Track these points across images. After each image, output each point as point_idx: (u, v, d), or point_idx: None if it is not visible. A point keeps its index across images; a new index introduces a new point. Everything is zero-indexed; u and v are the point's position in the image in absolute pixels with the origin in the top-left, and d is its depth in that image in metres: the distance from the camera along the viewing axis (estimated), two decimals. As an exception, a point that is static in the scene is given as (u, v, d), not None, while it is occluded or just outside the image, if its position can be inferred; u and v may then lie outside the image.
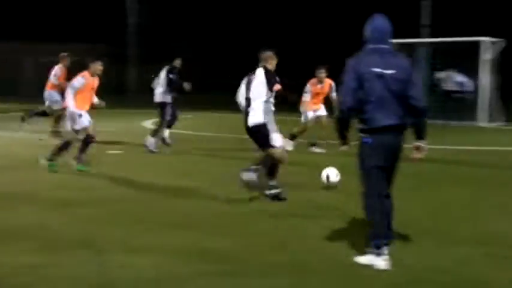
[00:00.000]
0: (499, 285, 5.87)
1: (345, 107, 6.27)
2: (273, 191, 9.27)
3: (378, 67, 6.21)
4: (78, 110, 11.71)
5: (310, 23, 48.75)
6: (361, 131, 6.27)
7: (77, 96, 11.80)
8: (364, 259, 6.32)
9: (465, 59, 23.73)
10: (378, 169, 6.26)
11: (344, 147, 6.60)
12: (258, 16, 49.46)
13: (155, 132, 15.02)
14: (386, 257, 6.20)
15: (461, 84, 23.68)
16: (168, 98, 15.29)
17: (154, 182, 10.69)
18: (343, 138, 6.53)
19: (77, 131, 11.84)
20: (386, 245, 6.23)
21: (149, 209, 8.79)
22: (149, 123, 19.84)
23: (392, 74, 6.22)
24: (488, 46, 23.01)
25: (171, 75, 15.23)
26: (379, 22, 6.42)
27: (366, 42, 6.43)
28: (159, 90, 15.29)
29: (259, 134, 9.07)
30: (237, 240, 7.18)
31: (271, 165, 9.28)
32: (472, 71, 23.92)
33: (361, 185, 6.40)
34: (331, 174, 10.07)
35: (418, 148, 6.38)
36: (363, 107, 6.20)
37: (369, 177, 6.30)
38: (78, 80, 11.89)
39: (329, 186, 10.02)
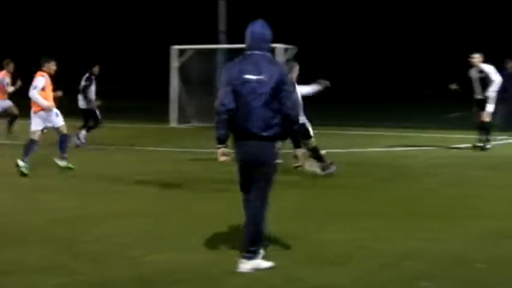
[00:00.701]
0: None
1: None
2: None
3: (249, 73, 6.33)
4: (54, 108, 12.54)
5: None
6: None
7: (41, 95, 12.37)
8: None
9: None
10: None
11: None
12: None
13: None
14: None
15: None
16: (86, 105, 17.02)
17: None
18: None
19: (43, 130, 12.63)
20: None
21: None
22: None
23: (261, 79, 6.31)
24: (281, 52, 23.83)
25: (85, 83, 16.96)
26: (254, 28, 6.52)
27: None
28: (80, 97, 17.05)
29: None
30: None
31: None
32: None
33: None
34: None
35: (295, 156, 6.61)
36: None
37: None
38: (40, 80, 12.42)
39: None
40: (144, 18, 49.84)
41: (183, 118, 24.87)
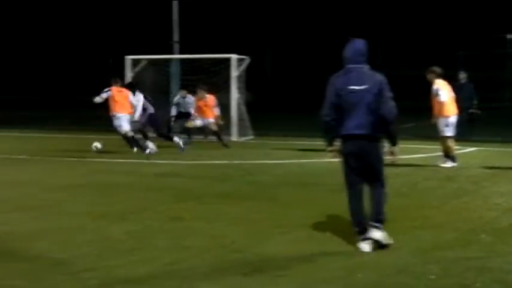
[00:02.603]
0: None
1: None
2: None
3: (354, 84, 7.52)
4: None
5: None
6: None
7: None
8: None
9: (214, 76, 24.46)
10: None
11: None
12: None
13: None
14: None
15: None
16: None
17: None
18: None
19: None
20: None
21: None
22: None
23: (365, 89, 7.48)
24: (235, 63, 23.78)
25: None
26: (355, 45, 7.70)
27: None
28: None
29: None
30: None
31: None
32: (221, 87, 24.65)
33: None
34: None
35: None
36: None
37: None
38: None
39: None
40: (98, 28, 49.47)
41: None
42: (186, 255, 7.50)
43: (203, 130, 21.63)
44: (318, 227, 8.97)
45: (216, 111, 20.88)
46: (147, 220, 9.43)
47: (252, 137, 23.76)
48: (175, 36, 28.45)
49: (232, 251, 7.70)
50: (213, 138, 21.16)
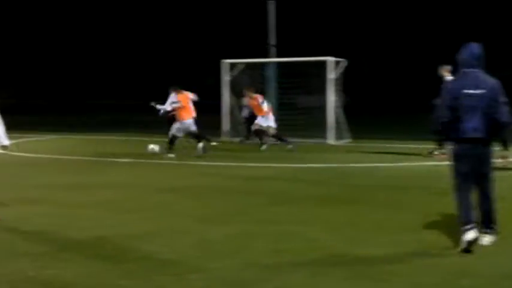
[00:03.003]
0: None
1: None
2: None
3: (469, 88, 7.63)
4: None
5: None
6: None
7: None
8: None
9: (311, 78, 24.54)
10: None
11: None
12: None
13: None
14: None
15: None
16: None
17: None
18: None
19: None
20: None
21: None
22: None
23: (480, 93, 7.59)
24: (332, 65, 23.76)
25: None
26: (472, 49, 7.81)
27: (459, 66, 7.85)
28: None
29: None
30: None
31: None
32: (317, 90, 24.67)
33: None
34: None
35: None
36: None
37: None
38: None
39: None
40: (196, 32, 50.24)
41: (234, 132, 25.02)
42: (284, 258, 7.59)
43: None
44: (421, 230, 8.92)
45: (265, 107, 21.36)
46: (246, 223, 9.60)
47: (349, 140, 23.67)
48: (272, 40, 28.64)
49: (332, 254, 7.74)
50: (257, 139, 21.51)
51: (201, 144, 18.69)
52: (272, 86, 26.69)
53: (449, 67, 15.53)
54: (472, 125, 7.62)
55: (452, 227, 8.21)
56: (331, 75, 23.78)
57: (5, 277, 6.90)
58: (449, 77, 15.45)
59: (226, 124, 25.36)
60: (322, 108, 24.08)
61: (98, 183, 13.86)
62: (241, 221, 9.75)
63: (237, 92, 25.14)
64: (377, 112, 36.31)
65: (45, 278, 6.89)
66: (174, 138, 18.90)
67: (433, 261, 7.39)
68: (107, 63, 52.18)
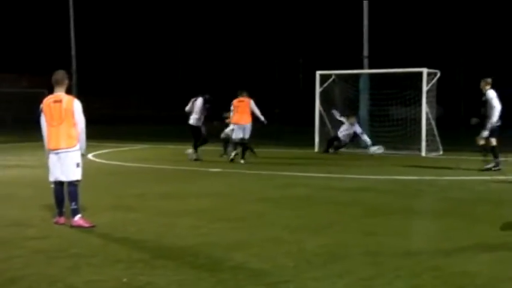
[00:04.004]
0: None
1: None
2: None
3: None
4: None
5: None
6: None
7: None
8: None
9: (404, 90, 24.15)
10: None
11: None
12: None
13: None
14: None
15: None
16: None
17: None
18: None
19: None
20: None
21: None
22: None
23: None
24: (426, 77, 23.33)
25: None
26: None
27: None
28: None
29: None
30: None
31: None
32: (410, 101, 24.28)
33: None
34: None
35: None
36: None
37: None
38: None
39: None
40: (290, 44, 50.42)
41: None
42: (380, 270, 7.39)
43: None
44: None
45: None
46: (340, 234, 9.44)
47: (441, 152, 23.17)
48: (365, 51, 28.39)
49: (429, 268, 7.49)
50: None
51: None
52: (365, 97, 26.41)
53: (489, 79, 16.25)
54: None
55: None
56: (425, 86, 23.32)
57: (99, 283, 6.96)
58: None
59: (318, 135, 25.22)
60: (415, 120, 23.66)
61: (191, 192, 13.96)
62: (336, 232, 9.60)
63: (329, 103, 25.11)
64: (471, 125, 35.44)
65: (139, 285, 6.90)
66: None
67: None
68: (194, 74, 52.97)
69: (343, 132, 24.16)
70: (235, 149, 20.39)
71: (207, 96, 20.55)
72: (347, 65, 27.81)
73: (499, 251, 8.35)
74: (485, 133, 17.14)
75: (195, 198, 12.94)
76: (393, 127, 24.32)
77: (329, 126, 25.24)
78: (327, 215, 11.11)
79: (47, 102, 10.12)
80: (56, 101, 10.05)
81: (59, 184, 10.22)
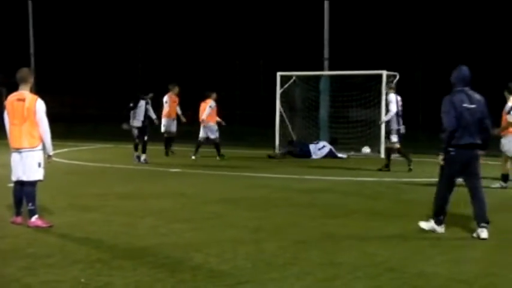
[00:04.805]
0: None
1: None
2: None
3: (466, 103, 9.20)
4: None
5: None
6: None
7: None
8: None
9: (364, 92, 24.34)
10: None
11: None
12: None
13: None
14: None
15: None
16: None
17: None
18: None
19: None
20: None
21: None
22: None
23: (474, 108, 9.22)
24: (385, 79, 23.50)
25: None
26: (465, 72, 9.44)
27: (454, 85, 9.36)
28: None
29: None
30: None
31: None
32: (370, 103, 24.46)
33: None
34: None
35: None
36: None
37: None
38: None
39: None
40: (251, 44, 50.45)
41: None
42: (339, 271, 7.45)
43: None
44: (477, 247, 8.73)
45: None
46: (299, 235, 9.48)
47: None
48: (326, 53, 28.52)
49: (387, 269, 7.57)
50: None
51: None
52: (325, 99, 26.52)
53: None
54: (469, 133, 9.33)
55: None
56: (384, 88, 23.50)
57: (56, 284, 6.90)
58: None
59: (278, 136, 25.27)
60: (374, 122, 23.84)
61: (151, 192, 13.90)
62: (296, 233, 9.64)
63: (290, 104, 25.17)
64: (430, 128, 35.81)
65: (98, 285, 6.86)
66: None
67: (489, 280, 7.18)
68: (158, 73, 52.79)
69: None
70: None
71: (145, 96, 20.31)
72: (308, 66, 27.90)
73: (453, 252, 8.47)
74: (394, 138, 18.03)
75: (155, 199, 12.89)
76: (353, 129, 24.48)
77: (290, 127, 25.30)
78: (286, 216, 11.15)
79: (10, 100, 9.99)
80: (19, 99, 9.92)
81: (19, 184, 10.10)
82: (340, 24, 32.53)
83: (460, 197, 12.87)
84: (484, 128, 9.29)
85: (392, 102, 17.99)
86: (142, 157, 19.52)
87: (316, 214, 11.29)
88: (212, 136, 21.23)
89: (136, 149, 20.09)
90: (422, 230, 9.75)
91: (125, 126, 19.66)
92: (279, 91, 25.44)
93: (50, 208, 11.32)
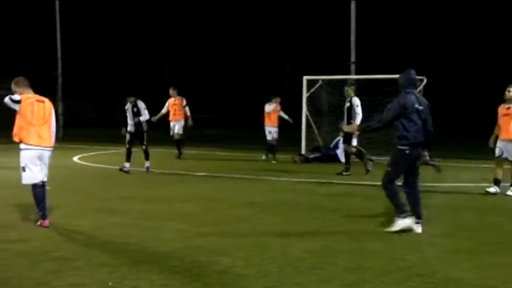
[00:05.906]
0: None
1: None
2: None
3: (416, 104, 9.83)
4: None
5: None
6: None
7: None
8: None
9: (389, 96, 24.16)
10: None
11: None
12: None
13: None
14: None
15: None
16: None
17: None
18: None
19: None
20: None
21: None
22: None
23: (422, 108, 9.85)
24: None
25: None
26: (411, 75, 10.10)
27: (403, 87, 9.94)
28: None
29: None
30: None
31: None
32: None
33: None
34: None
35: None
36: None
37: None
38: None
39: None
40: (277, 48, 50.47)
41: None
42: (365, 276, 7.41)
43: None
44: (504, 253, 8.63)
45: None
46: (326, 240, 9.44)
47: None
48: (352, 57, 28.41)
49: (414, 274, 7.51)
50: None
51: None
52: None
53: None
54: (419, 132, 9.97)
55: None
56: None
57: (84, 287, 6.93)
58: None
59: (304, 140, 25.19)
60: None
61: (175, 195, 13.92)
62: (322, 238, 9.60)
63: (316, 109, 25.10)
64: (459, 131, 35.56)
65: (124, 288, 6.88)
66: None
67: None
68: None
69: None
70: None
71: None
72: (334, 70, 27.79)
73: (481, 258, 8.38)
74: (355, 141, 18.43)
75: (181, 202, 12.90)
76: (377, 133, 24.29)
77: (316, 131, 25.21)
78: (313, 220, 11.11)
79: (30, 101, 10.05)
80: (38, 101, 10.22)
81: (41, 185, 10.16)
82: (367, 27, 32.45)
83: (488, 205, 12.80)
84: (429, 128, 9.95)
85: (359, 105, 18.32)
86: (146, 164, 18.74)
87: (342, 218, 11.25)
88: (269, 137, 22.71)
89: (127, 156, 18.25)
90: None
91: (123, 131, 19.16)
92: (305, 95, 25.38)
93: (76, 211, 11.38)
